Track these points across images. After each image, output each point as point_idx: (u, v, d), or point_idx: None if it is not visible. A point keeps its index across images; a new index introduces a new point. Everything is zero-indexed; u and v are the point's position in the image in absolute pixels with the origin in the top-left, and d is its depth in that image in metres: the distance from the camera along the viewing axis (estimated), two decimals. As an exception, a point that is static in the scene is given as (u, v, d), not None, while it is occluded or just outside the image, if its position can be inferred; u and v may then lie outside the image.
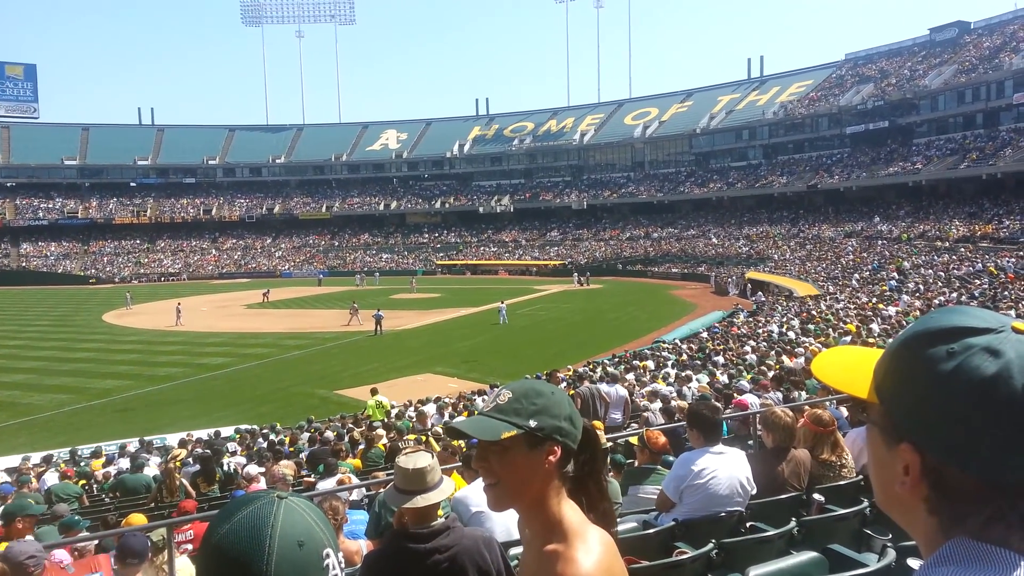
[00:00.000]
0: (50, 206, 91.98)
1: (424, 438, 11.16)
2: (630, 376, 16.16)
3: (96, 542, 6.89)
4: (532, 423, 1.52)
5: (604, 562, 1.52)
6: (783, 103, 76.68)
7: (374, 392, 19.49)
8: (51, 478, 13.51)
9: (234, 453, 14.30)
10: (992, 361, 0.85)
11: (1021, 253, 34.47)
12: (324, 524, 1.11)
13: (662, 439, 5.71)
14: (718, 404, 7.51)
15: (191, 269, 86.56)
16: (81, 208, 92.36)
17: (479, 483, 4.26)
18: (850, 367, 1.05)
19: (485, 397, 16.93)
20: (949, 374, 0.87)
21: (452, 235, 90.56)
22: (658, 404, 11.85)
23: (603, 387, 13.25)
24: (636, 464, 6.08)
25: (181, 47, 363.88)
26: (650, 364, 18.85)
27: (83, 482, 13.48)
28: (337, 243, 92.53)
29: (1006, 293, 23.21)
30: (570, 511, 1.58)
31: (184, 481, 10.66)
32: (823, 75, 79.52)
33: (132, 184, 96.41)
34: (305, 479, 9.68)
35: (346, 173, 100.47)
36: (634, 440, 6.67)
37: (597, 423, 9.65)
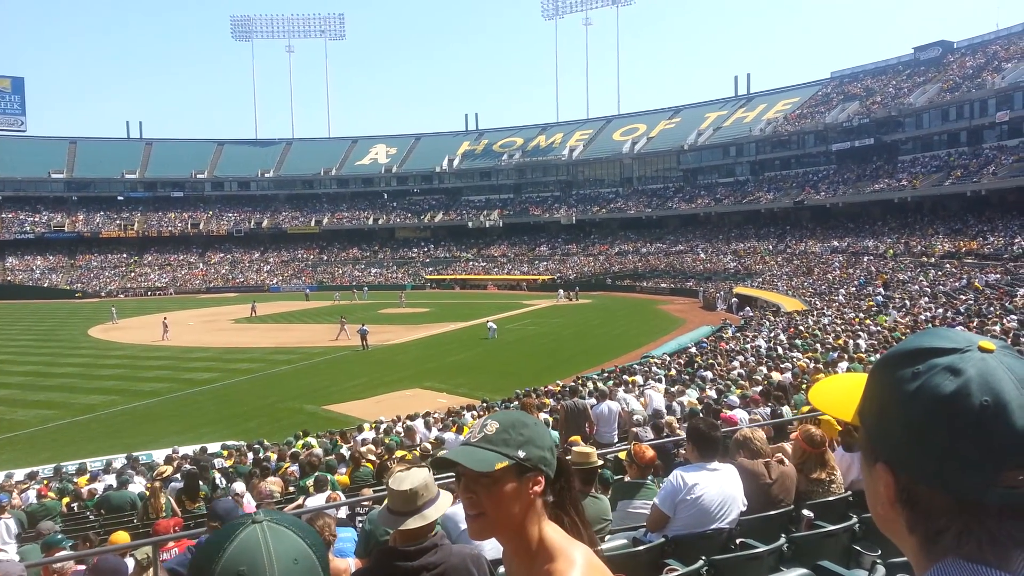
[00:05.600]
0: (36, 220, 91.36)
1: (417, 452, 11.11)
2: (620, 392, 16.13)
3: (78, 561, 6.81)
4: (521, 454, 1.54)
5: (588, 572, 1.54)
6: (770, 120, 77.42)
7: (306, 433, 18.58)
8: (34, 495, 13.36)
9: (222, 469, 14.16)
10: (952, 380, 0.88)
11: (1008, 266, 34.83)
12: (275, 558, 1.06)
13: (650, 453, 5.72)
14: (716, 422, 7.53)
15: (178, 283, 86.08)
16: (68, 222, 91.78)
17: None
18: (841, 393, 1.08)
19: (474, 413, 16.80)
20: (912, 394, 0.90)
21: (441, 250, 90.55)
22: (641, 409, 11.85)
23: (591, 403, 13.22)
24: (626, 479, 6.08)
25: (170, 61, 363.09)
26: (639, 379, 18.86)
27: (67, 500, 13.33)
28: (326, 257, 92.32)
29: (991, 308, 23.39)
30: (551, 531, 1.59)
31: (170, 498, 10.55)
32: (809, 93, 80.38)
33: (120, 198, 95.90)
34: (290, 500, 9.61)
35: (335, 187, 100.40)
36: (623, 455, 6.68)
37: (576, 438, 9.65)
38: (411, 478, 2.89)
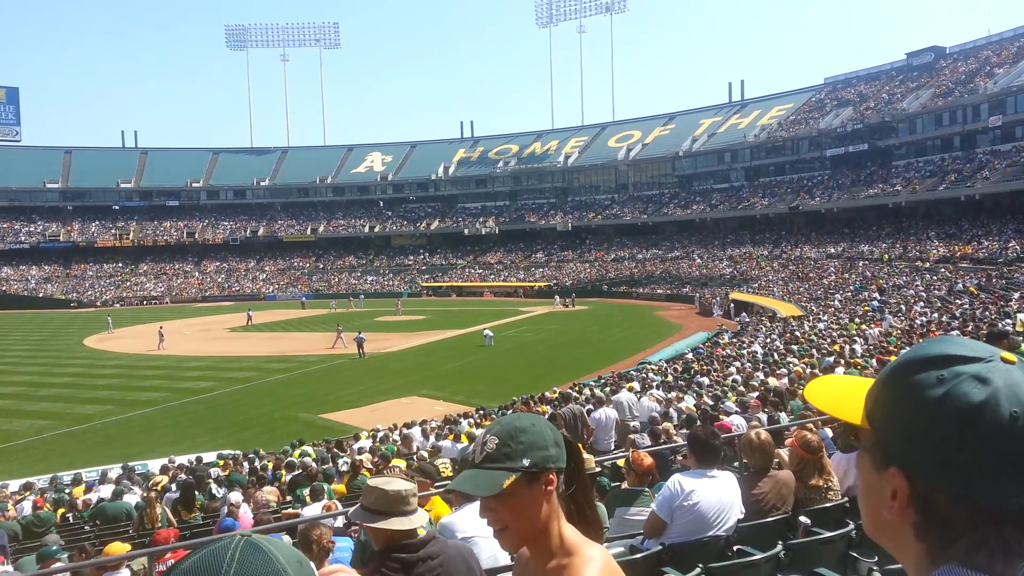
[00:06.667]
0: (31, 229, 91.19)
1: (415, 464, 11.06)
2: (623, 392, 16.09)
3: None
4: (526, 462, 1.56)
5: (605, 569, 1.60)
6: (764, 126, 77.65)
7: (302, 442, 17.96)
8: (29, 506, 13.30)
9: (218, 479, 14.13)
10: (980, 388, 0.87)
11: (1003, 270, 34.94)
12: (295, 567, 1.02)
13: (647, 460, 5.72)
14: (715, 429, 7.54)
15: (174, 292, 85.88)
16: (63, 231, 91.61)
17: (466, 509, 4.26)
18: (842, 394, 1.07)
19: (471, 420, 16.77)
20: (938, 400, 0.89)
21: (438, 257, 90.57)
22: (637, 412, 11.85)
23: (589, 408, 13.25)
24: (624, 486, 6.07)
25: (166, 70, 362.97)
26: (636, 385, 18.85)
27: (62, 510, 13.28)
28: (322, 265, 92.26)
29: (986, 313, 23.45)
30: (569, 531, 1.64)
31: (166, 509, 10.52)
32: (803, 99, 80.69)
33: (115, 207, 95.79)
34: (286, 510, 9.58)
35: (331, 195, 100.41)
36: (621, 462, 6.68)
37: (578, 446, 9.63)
38: (399, 482, 2.98)
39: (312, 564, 1.07)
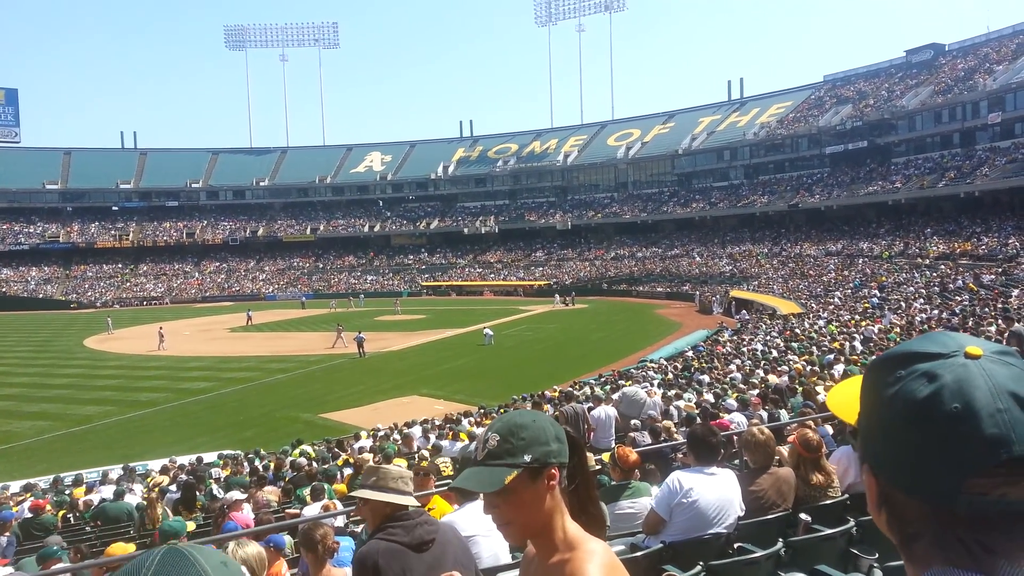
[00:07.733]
0: (31, 231, 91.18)
1: (420, 462, 11.06)
2: (615, 396, 16.12)
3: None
4: (527, 458, 1.58)
5: (608, 564, 1.61)
6: (763, 124, 77.60)
7: (300, 442, 18.02)
8: (27, 507, 13.28)
9: (218, 479, 14.12)
10: (926, 386, 0.88)
11: (1000, 269, 34.92)
12: (217, 568, 1.05)
13: (633, 456, 5.73)
14: (715, 427, 7.54)
15: (174, 293, 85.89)
16: (63, 232, 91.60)
17: (467, 508, 4.26)
18: (853, 396, 1.08)
19: (471, 419, 16.77)
20: (890, 398, 0.91)
21: (437, 256, 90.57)
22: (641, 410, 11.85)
23: (589, 406, 13.26)
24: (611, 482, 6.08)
25: (165, 71, 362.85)
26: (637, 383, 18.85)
27: (63, 511, 13.26)
28: (322, 265, 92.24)
29: (987, 309, 23.42)
30: (572, 527, 1.66)
31: (167, 509, 10.51)
32: (802, 96, 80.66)
33: (114, 208, 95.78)
34: (287, 510, 9.57)
35: (330, 195, 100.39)
36: (606, 457, 6.70)
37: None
38: (397, 467, 3.31)
39: (243, 567, 1.10)
